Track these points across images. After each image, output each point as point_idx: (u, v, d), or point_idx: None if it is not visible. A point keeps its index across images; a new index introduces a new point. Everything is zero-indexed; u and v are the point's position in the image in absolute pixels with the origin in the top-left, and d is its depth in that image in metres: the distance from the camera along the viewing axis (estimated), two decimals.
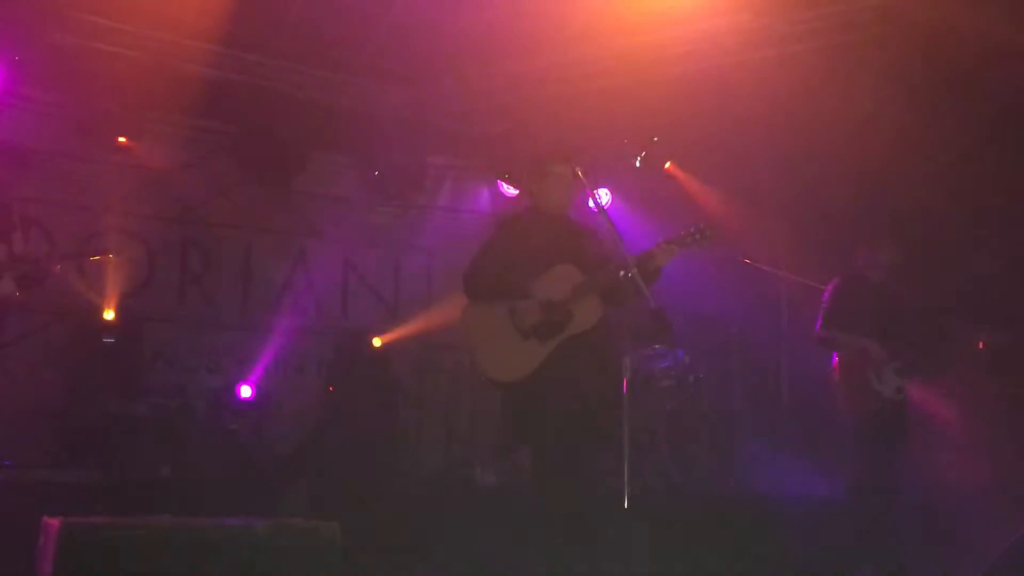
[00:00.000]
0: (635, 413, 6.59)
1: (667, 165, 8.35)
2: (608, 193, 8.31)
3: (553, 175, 4.58)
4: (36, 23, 6.86)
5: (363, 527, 5.41)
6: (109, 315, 7.58)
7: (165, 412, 7.03)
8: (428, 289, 9.02)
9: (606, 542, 4.60)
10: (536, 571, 4.32)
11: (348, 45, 7.59)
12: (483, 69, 7.68)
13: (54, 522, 3.70)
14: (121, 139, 7.74)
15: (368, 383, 8.01)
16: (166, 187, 8.06)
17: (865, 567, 5.54)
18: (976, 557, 5.42)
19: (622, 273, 4.35)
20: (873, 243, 5.87)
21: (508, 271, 4.51)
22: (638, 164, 8.19)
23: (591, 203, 4.59)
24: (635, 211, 8.28)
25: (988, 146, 6.54)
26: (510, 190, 8.78)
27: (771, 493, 6.74)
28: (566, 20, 6.97)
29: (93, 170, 7.79)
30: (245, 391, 7.55)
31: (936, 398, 6.28)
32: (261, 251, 8.52)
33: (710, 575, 5.14)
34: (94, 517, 3.83)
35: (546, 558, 4.31)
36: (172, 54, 7.26)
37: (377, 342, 8.34)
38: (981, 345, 5.97)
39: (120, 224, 7.88)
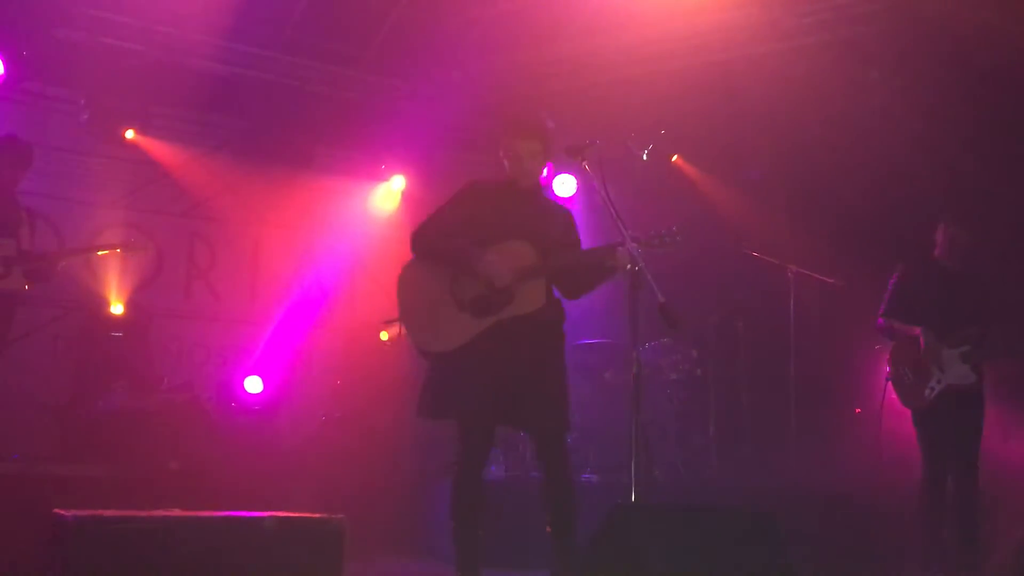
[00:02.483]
0: (643, 407, 6.61)
1: (674, 158, 8.33)
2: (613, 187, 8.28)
3: (515, 149, 4.39)
4: (42, 18, 6.88)
5: (370, 520, 5.43)
6: (117, 309, 7.61)
7: (173, 406, 7.05)
8: None
9: (612, 534, 4.59)
10: (542, 564, 4.32)
11: (354, 39, 7.60)
12: (489, 64, 7.68)
13: (65, 515, 3.72)
14: (128, 134, 7.77)
15: (375, 377, 8.02)
16: (173, 182, 8.09)
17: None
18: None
19: (629, 266, 4.31)
20: (946, 227, 5.64)
21: (458, 234, 4.30)
22: (645, 157, 8.16)
23: (600, 197, 4.53)
24: (642, 204, 8.26)
25: (996, 138, 6.50)
26: None
27: (779, 487, 6.73)
28: (573, 14, 6.98)
29: (100, 165, 7.82)
30: (253, 385, 7.57)
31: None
32: (268, 245, 8.53)
33: (717, 570, 5.13)
34: (103, 510, 3.85)
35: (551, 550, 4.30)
36: (178, 49, 7.28)
37: (384, 336, 8.35)
38: None
39: (127, 219, 7.91)
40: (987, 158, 6.49)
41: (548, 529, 4.27)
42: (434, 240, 4.35)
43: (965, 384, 5.43)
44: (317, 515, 4.14)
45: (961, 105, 6.51)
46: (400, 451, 7.83)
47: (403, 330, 4.41)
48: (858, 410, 7.23)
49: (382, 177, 8.94)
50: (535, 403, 4.24)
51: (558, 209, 4.62)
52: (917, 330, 5.50)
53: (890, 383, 5.66)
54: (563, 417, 4.32)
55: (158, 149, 7.95)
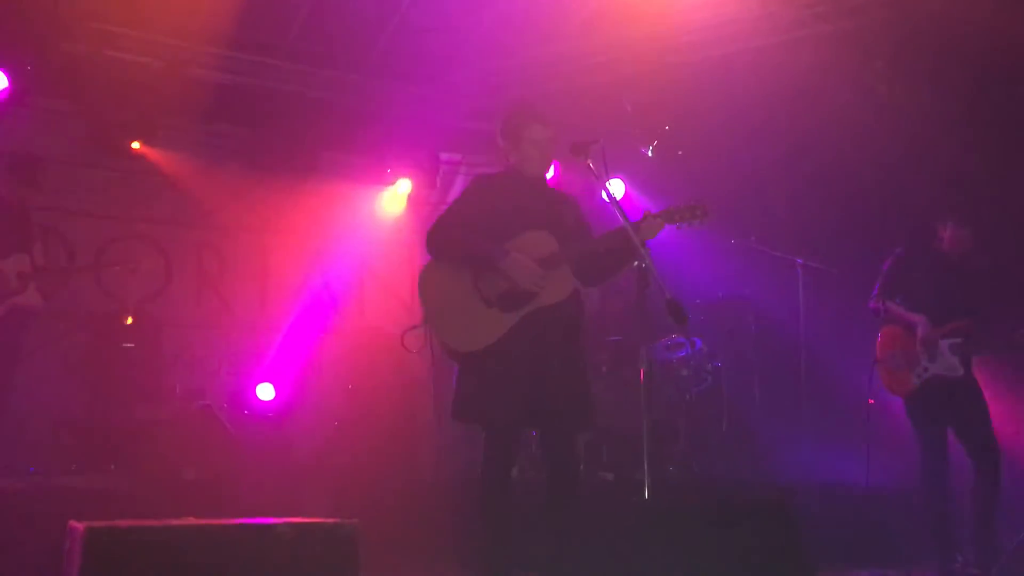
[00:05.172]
0: (654, 403, 6.61)
1: (679, 153, 8.33)
2: (622, 184, 8.30)
3: (527, 138, 4.40)
4: (47, 32, 6.91)
5: (384, 526, 5.44)
6: (128, 321, 7.64)
7: (186, 415, 7.08)
8: None
9: (626, 533, 4.58)
10: (557, 565, 4.31)
11: (357, 45, 7.61)
12: (492, 64, 7.69)
13: (79, 526, 3.73)
14: (135, 145, 7.80)
15: (387, 381, 8.04)
16: (180, 192, 8.11)
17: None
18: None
19: (636, 263, 4.31)
20: (955, 225, 5.58)
21: (476, 231, 4.26)
22: (650, 154, 8.16)
23: (603, 195, 4.51)
24: (649, 201, 8.26)
25: (996, 131, 6.47)
26: None
27: (793, 480, 6.71)
28: (574, 12, 6.98)
29: (107, 177, 7.85)
30: (265, 392, 7.59)
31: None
32: (277, 253, 8.56)
33: (732, 564, 5.12)
34: (119, 521, 3.86)
35: (567, 551, 4.29)
36: (183, 59, 7.31)
37: (393, 340, 8.35)
38: None
39: (136, 230, 7.95)
40: (987, 150, 6.46)
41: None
42: (453, 240, 4.30)
43: (952, 376, 5.40)
44: (331, 521, 4.14)
45: (961, 97, 6.48)
46: (414, 454, 7.84)
47: (427, 336, 4.32)
48: (871, 401, 7.20)
49: (388, 181, 8.96)
50: (555, 399, 4.21)
51: (567, 198, 4.61)
52: (917, 318, 5.47)
53: (877, 367, 5.63)
54: (582, 415, 4.30)
55: (164, 160, 7.97)
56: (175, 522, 3.91)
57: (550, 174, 8.06)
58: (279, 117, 7.98)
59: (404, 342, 4.42)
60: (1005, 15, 5.82)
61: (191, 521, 3.96)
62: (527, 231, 4.29)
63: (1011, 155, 6.46)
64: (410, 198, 8.99)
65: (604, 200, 4.48)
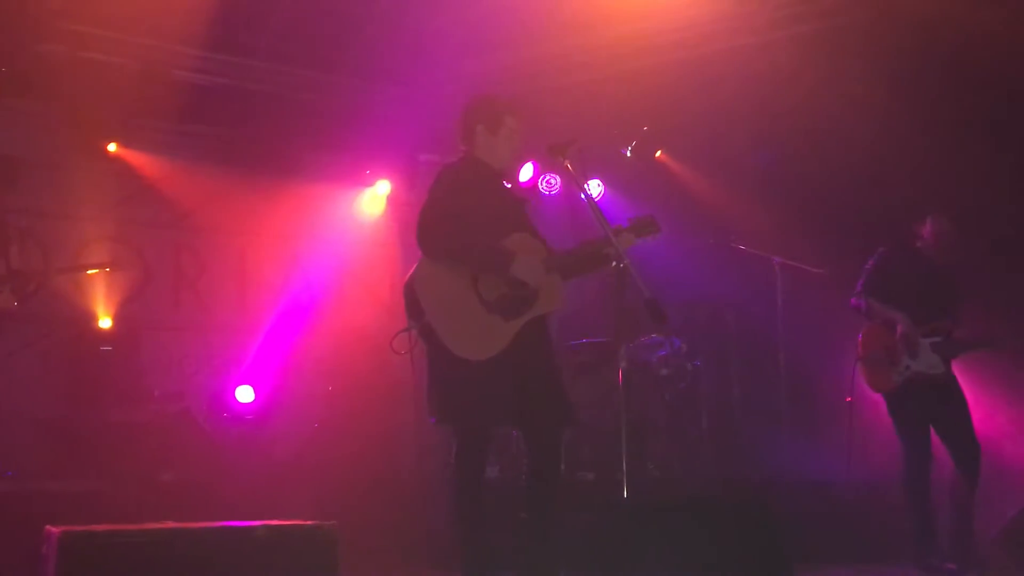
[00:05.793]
0: (634, 403, 6.62)
1: (657, 154, 8.36)
2: (600, 184, 8.32)
3: (507, 127, 4.36)
4: (23, 33, 6.86)
5: (363, 527, 5.43)
6: (105, 323, 7.59)
7: (164, 418, 7.04)
8: None
9: (606, 531, 4.59)
10: (536, 564, 4.31)
11: (336, 45, 7.59)
12: (471, 64, 7.68)
13: (55, 530, 3.71)
14: (111, 147, 7.75)
15: (367, 382, 8.02)
16: (158, 194, 8.07)
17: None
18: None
19: (614, 264, 4.32)
20: (934, 220, 5.67)
21: (471, 229, 4.11)
22: (628, 154, 8.19)
23: (582, 195, 4.51)
24: (628, 201, 8.29)
25: (972, 127, 6.53)
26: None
27: (772, 478, 6.74)
28: (552, 13, 6.98)
29: (84, 179, 7.78)
30: (244, 394, 7.55)
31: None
32: (256, 254, 8.52)
33: (711, 562, 5.14)
34: (95, 525, 3.84)
35: (546, 550, 4.29)
36: (160, 60, 7.27)
37: (373, 341, 8.34)
38: None
39: (113, 232, 7.89)
40: (964, 149, 6.52)
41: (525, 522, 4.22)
42: (455, 239, 4.11)
43: (933, 373, 5.47)
44: (310, 523, 4.13)
45: (936, 94, 6.54)
46: (394, 456, 7.83)
47: (414, 339, 4.15)
48: (849, 399, 7.25)
49: (367, 182, 8.95)
50: (540, 400, 4.19)
51: (522, 198, 4.64)
52: (897, 315, 5.53)
53: (859, 365, 5.70)
54: (564, 411, 4.29)
55: (142, 162, 7.93)
56: (152, 526, 3.90)
57: (525, 176, 8.30)
58: (257, 118, 7.95)
59: (393, 346, 4.34)
60: (982, 15, 5.87)
61: (169, 525, 3.96)
62: (514, 232, 4.24)
63: (988, 154, 6.52)
64: (389, 199, 8.98)
65: (584, 200, 4.49)
